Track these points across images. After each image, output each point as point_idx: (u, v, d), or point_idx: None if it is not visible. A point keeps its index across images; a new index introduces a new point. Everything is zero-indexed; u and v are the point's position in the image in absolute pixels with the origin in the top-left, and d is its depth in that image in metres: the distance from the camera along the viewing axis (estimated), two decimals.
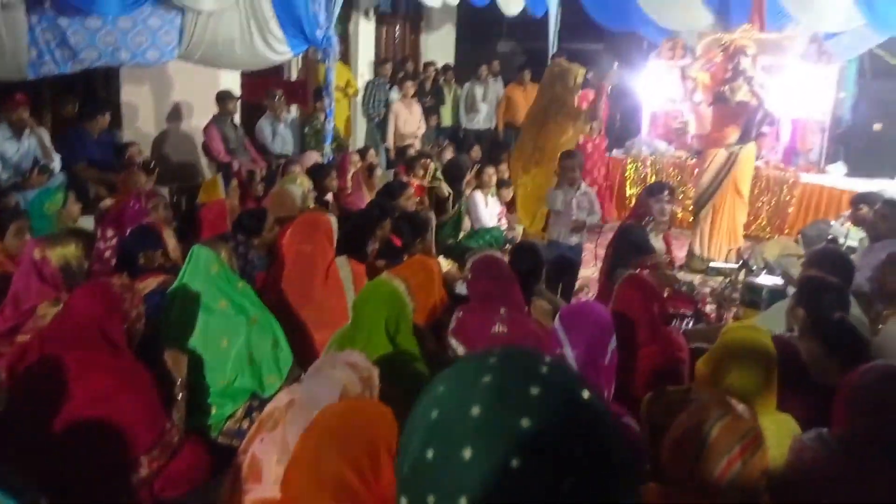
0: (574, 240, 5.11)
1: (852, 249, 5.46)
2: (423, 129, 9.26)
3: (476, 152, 8.88)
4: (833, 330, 2.88)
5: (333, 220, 4.19)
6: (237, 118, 7.77)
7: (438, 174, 6.53)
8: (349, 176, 6.56)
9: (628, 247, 4.75)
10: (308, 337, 3.66)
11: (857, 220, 5.58)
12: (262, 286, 3.90)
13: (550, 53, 10.39)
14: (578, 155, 5.39)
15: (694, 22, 9.45)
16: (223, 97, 7.36)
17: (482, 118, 10.48)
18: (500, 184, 7.07)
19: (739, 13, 8.87)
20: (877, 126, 7.81)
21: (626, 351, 2.97)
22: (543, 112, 7.56)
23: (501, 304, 3.20)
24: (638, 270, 3.94)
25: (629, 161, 8.68)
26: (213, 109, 7.42)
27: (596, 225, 5.37)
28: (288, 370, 3.27)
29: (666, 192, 5.10)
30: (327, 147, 7.46)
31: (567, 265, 5.15)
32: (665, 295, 3.90)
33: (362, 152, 7.30)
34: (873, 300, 3.90)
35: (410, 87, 9.16)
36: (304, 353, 3.39)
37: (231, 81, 8.08)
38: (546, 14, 10.24)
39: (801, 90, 7.79)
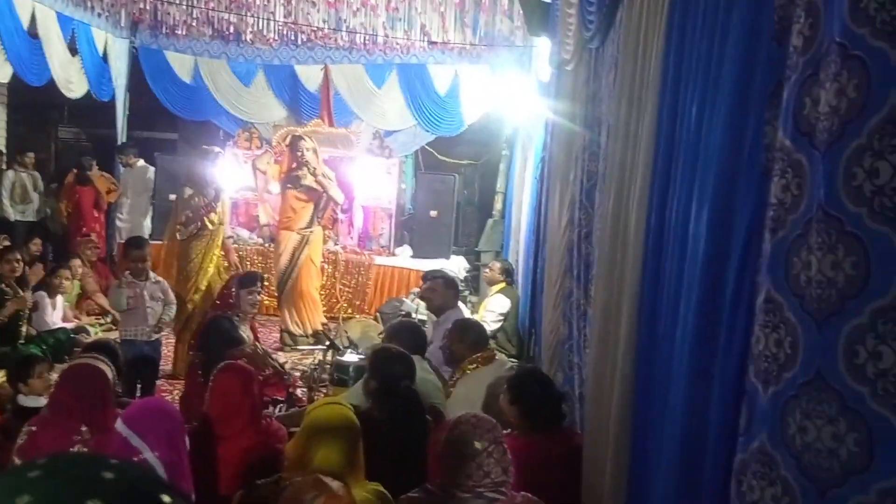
0: (154, 335, 4.77)
1: (423, 321, 6.01)
2: None
3: (37, 246, 7.82)
4: (402, 399, 3.06)
5: None
6: None
7: None
8: None
9: (219, 339, 4.59)
10: None
11: (423, 296, 6.17)
12: None
13: (119, 141, 9.81)
14: (145, 244, 5.08)
15: (267, 115, 9.89)
16: None
17: (34, 210, 9.35)
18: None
19: (310, 109, 9.54)
20: (433, 213, 8.89)
21: (224, 443, 2.80)
22: None
23: (85, 421, 2.78)
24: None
25: None
26: None
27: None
28: None
29: (258, 282, 5.12)
30: None
31: (147, 363, 4.76)
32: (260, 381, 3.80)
33: None
34: (444, 365, 4.30)
35: None
36: None
37: None
38: (113, 99, 9.63)
39: (369, 180, 8.57)
